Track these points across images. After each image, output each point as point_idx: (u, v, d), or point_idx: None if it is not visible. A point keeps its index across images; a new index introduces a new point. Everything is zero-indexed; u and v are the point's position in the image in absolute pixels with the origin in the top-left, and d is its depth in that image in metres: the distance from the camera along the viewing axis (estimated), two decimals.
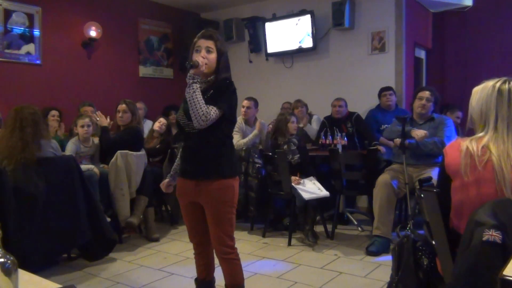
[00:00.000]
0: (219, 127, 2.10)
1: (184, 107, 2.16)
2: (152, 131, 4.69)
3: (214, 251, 2.29)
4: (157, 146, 4.62)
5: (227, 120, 2.14)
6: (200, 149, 2.14)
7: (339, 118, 4.77)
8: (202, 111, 2.00)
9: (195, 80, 2.03)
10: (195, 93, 2.01)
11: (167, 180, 2.36)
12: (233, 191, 2.17)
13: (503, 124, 1.60)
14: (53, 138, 3.86)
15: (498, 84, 1.64)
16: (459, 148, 1.66)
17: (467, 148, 1.63)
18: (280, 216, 4.45)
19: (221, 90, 2.11)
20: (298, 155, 4.07)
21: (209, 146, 2.12)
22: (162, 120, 4.68)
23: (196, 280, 2.40)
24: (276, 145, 4.16)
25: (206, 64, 2.06)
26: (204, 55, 2.09)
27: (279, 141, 4.15)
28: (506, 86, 1.63)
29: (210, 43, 2.13)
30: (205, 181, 2.13)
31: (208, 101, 2.05)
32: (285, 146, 4.09)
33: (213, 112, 2.03)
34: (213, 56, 2.12)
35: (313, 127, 5.08)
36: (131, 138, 4.05)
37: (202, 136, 2.09)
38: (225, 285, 2.25)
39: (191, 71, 2.03)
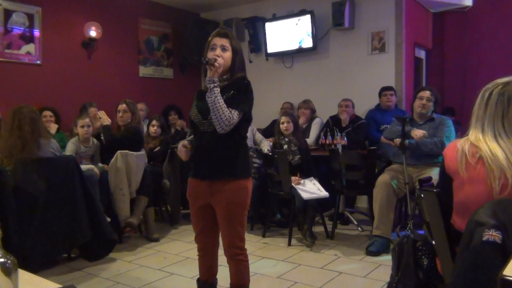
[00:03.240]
0: (237, 128, 2.08)
1: (198, 105, 2.14)
2: (147, 135, 4.68)
3: (218, 252, 2.29)
4: (157, 148, 4.62)
5: (245, 121, 2.12)
6: (214, 149, 2.11)
7: (345, 123, 4.76)
8: (226, 116, 1.98)
9: (216, 84, 2.01)
10: (216, 98, 1.98)
11: (184, 142, 2.23)
12: (246, 192, 2.15)
13: (489, 124, 1.64)
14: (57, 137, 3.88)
15: (484, 87, 1.69)
16: (455, 148, 1.69)
17: (461, 148, 1.68)
18: (274, 212, 4.47)
19: (242, 90, 2.09)
20: (299, 156, 4.09)
21: (225, 146, 2.10)
22: (155, 123, 4.67)
23: (198, 281, 2.39)
24: (278, 146, 4.18)
25: (222, 62, 2.04)
26: (220, 54, 2.07)
27: (281, 142, 4.16)
28: (506, 88, 1.65)
29: (225, 41, 2.10)
30: (218, 181, 2.11)
31: (228, 102, 2.03)
32: (285, 146, 4.11)
33: (235, 115, 2.02)
34: (228, 54, 2.10)
35: (312, 130, 5.06)
36: (134, 137, 4.04)
37: (218, 136, 2.05)
38: (231, 284, 2.24)
39: (209, 75, 2.01)
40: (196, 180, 2.19)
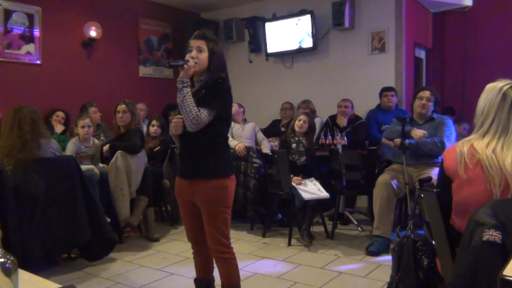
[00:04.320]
0: (211, 127, 2.11)
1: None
2: (147, 135, 4.68)
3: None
4: (157, 148, 4.62)
5: (220, 119, 2.14)
6: (193, 148, 2.17)
7: (343, 123, 4.79)
8: (193, 114, 2.03)
9: (185, 84, 2.06)
10: (185, 97, 2.04)
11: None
12: (227, 191, 2.17)
13: (496, 127, 1.64)
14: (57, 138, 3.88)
15: (505, 88, 1.66)
16: (455, 150, 1.71)
17: (459, 150, 1.68)
18: (275, 212, 4.48)
19: (212, 90, 2.12)
20: (305, 158, 4.07)
21: (202, 146, 2.14)
22: (155, 123, 4.68)
23: (195, 280, 2.40)
24: (286, 143, 4.15)
25: (196, 64, 2.09)
26: (195, 55, 2.12)
27: (290, 140, 4.15)
28: None
29: (201, 43, 2.15)
30: (198, 180, 2.15)
31: (200, 102, 2.07)
32: (294, 145, 4.09)
33: (205, 114, 2.06)
34: (204, 55, 2.14)
35: None
36: (139, 139, 4.03)
37: (195, 135, 2.11)
38: (221, 284, 2.25)
39: (180, 75, 2.06)
40: (180, 179, 2.26)
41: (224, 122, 2.19)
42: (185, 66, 2.06)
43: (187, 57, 2.11)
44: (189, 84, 2.08)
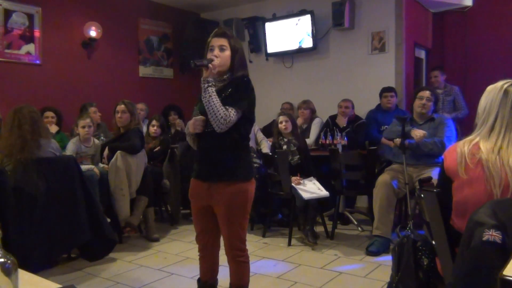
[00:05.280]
0: (237, 128, 2.06)
1: (200, 106, 2.12)
2: (147, 135, 4.68)
3: (219, 252, 2.29)
4: (157, 148, 4.62)
5: (245, 120, 2.09)
6: (214, 149, 2.10)
7: (343, 123, 4.81)
8: (221, 114, 1.97)
9: (210, 84, 2.01)
10: (211, 97, 1.99)
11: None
12: (247, 195, 2.12)
13: (501, 124, 1.62)
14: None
15: (506, 85, 1.66)
16: (455, 150, 1.70)
17: (460, 150, 1.67)
18: (276, 212, 4.49)
19: (240, 88, 2.07)
20: (298, 156, 4.09)
21: (224, 147, 2.07)
22: (155, 123, 4.68)
23: (198, 281, 2.38)
24: (277, 146, 4.18)
25: (218, 63, 2.04)
26: (218, 54, 2.07)
27: (280, 142, 4.17)
28: None
29: (223, 41, 2.10)
30: (218, 183, 2.09)
31: (226, 100, 2.02)
32: (285, 147, 4.10)
33: (232, 114, 2.00)
34: (227, 53, 2.09)
35: (312, 130, 5.06)
36: (139, 139, 4.03)
37: (218, 136, 2.04)
38: (230, 284, 2.24)
39: (204, 75, 2.02)
40: (197, 181, 2.19)
41: (248, 123, 2.12)
42: (210, 65, 2.01)
43: (210, 55, 2.07)
44: (213, 83, 2.03)
